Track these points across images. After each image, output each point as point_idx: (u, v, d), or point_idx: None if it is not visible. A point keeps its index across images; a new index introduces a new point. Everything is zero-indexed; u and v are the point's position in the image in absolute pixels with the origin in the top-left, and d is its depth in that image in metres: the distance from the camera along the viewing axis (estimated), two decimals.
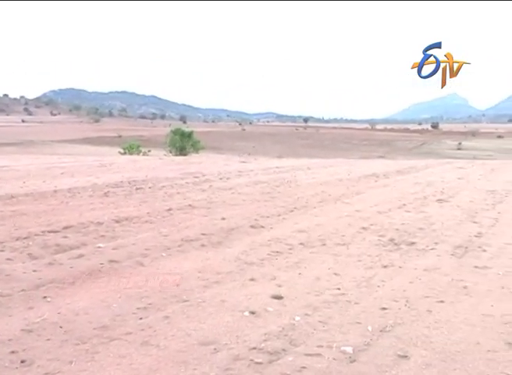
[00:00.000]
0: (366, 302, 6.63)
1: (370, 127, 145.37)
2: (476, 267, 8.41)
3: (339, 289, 7.11)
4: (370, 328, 5.76)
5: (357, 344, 5.33)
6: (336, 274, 7.81)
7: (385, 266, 8.29)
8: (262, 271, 7.91)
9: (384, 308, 6.39)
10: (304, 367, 4.84)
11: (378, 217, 12.27)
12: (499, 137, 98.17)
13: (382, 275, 7.81)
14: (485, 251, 9.51)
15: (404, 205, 14.25)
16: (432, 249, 9.50)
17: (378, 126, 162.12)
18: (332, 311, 6.30)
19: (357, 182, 19.30)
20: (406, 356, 5.11)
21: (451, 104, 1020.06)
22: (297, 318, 6.01)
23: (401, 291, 7.08)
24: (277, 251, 9.04)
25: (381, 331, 5.70)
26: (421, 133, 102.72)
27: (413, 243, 9.87)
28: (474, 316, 6.29)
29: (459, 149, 56.06)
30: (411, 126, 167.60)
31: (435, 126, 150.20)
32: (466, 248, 9.66)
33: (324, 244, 9.64)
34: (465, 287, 7.36)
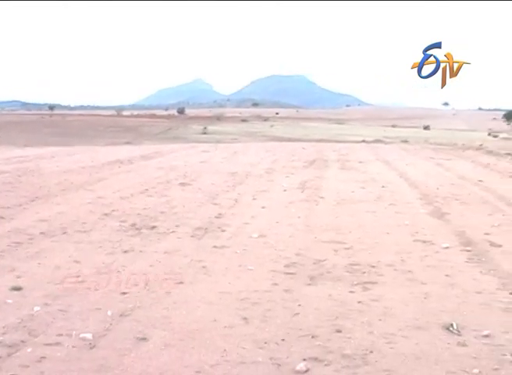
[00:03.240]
0: (106, 288, 6.68)
1: (116, 113, 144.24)
2: (215, 247, 8.77)
3: (79, 276, 7.10)
4: (110, 313, 5.82)
5: (97, 330, 5.38)
6: (76, 262, 7.78)
7: (125, 251, 8.38)
8: (1, 263, 7.70)
9: (124, 293, 6.49)
10: (43, 357, 4.81)
11: (120, 203, 12.34)
12: (244, 120, 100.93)
13: (123, 260, 7.89)
14: (224, 231, 9.93)
15: (147, 189, 14.46)
16: (172, 232, 9.74)
17: (125, 113, 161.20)
18: (72, 299, 6.29)
19: (101, 169, 19.22)
20: (145, 338, 5.24)
21: (197, 89, 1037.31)
22: (37, 308, 5.93)
23: (141, 275, 7.20)
24: (17, 242, 8.81)
25: (121, 316, 5.79)
26: (167, 118, 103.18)
27: (154, 227, 10.05)
28: (212, 294, 6.57)
29: (204, 133, 56.82)
30: (158, 112, 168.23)
31: (181, 111, 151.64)
32: (206, 229, 10.01)
33: (65, 233, 9.54)
34: (204, 267, 7.66)
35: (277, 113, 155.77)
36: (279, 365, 4.77)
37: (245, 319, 5.79)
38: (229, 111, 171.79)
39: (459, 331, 5.55)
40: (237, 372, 4.64)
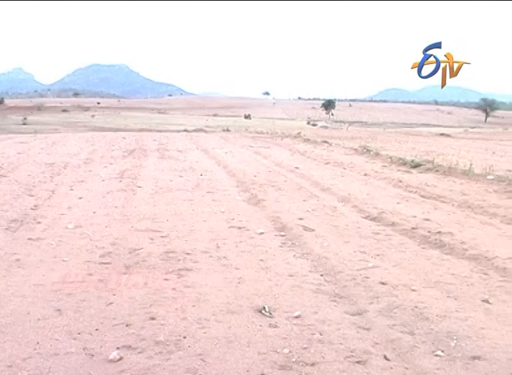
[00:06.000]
0: None
1: None
2: (30, 239, 8.61)
3: None
4: None
5: None
6: None
7: None
8: None
9: None
10: None
11: None
12: (64, 110, 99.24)
13: None
14: (39, 222, 9.78)
15: None
16: None
17: None
18: None
19: None
20: None
21: (16, 79, 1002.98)
22: None
23: None
24: None
25: None
26: None
27: None
28: (25, 287, 6.46)
29: (24, 124, 55.35)
30: None
31: (0, 101, 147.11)
32: (21, 221, 9.80)
33: None
34: (18, 260, 7.50)
35: (98, 103, 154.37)
36: (93, 355, 4.79)
37: (59, 310, 5.74)
38: (49, 101, 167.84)
39: (271, 313, 5.77)
40: (50, 364, 4.62)
